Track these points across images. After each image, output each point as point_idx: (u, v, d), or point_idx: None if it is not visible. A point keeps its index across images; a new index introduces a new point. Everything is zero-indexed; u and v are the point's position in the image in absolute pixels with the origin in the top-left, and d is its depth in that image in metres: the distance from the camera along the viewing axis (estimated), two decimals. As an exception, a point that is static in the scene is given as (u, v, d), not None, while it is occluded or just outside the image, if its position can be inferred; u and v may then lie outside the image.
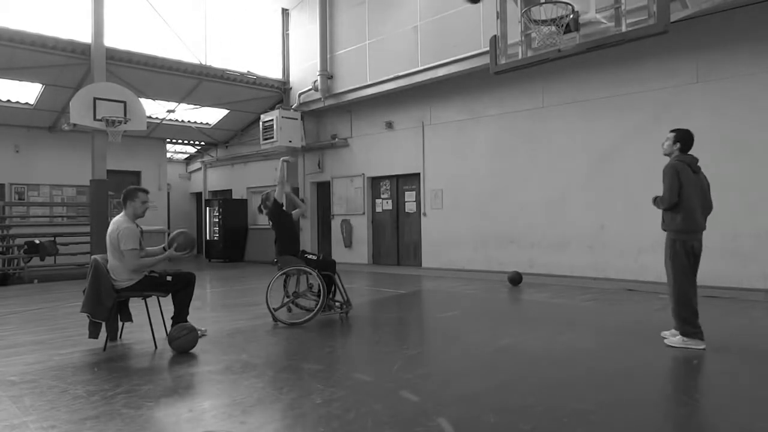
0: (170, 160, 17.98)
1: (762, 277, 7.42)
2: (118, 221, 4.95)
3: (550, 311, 6.79)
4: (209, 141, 16.59)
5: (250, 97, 13.76)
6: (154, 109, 13.14)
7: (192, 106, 13.74)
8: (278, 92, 13.88)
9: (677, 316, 4.73)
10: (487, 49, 6.28)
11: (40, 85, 11.45)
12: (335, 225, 13.58)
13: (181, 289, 5.15)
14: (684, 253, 4.68)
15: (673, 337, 4.78)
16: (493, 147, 10.47)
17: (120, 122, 9.95)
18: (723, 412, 3.24)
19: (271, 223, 6.48)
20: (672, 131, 4.88)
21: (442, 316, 6.65)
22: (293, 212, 6.80)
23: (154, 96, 12.48)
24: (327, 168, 13.84)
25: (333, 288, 6.46)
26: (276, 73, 13.85)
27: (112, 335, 5.18)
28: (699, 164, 4.86)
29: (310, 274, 6.23)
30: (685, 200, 4.64)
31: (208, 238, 16.07)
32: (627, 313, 6.60)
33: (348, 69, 12.36)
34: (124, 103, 10.11)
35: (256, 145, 14.08)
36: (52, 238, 11.72)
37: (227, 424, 3.07)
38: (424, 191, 11.70)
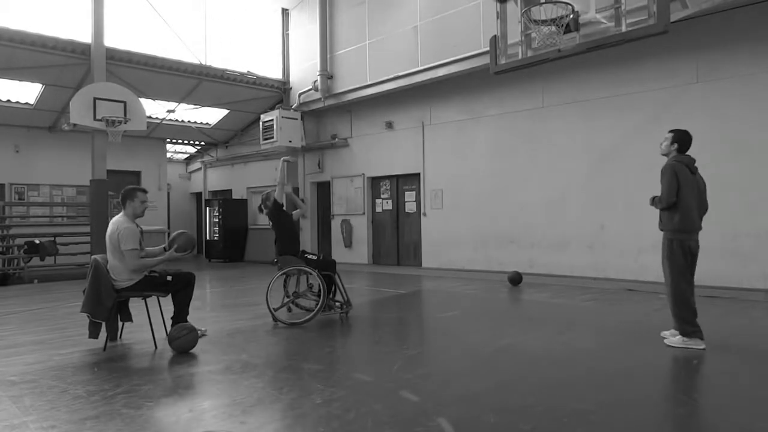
0: (170, 160, 17.98)
1: (762, 277, 7.42)
2: (117, 221, 4.95)
3: (550, 311, 6.79)
4: (209, 141, 16.59)
5: (250, 97, 13.76)
6: (154, 109, 13.14)
7: (192, 106, 13.74)
8: (278, 92, 13.88)
9: (676, 316, 4.74)
10: (487, 49, 6.28)
11: (40, 85, 11.45)
12: (335, 225, 13.58)
13: (181, 289, 5.15)
14: (681, 252, 4.69)
15: (672, 337, 4.78)
16: (493, 147, 10.48)
17: (120, 122, 9.95)
18: (723, 412, 3.24)
19: (271, 223, 6.48)
20: (670, 131, 4.89)
21: (442, 316, 6.65)
22: (294, 212, 6.80)
23: (154, 96, 12.48)
24: (327, 168, 13.84)
25: (333, 288, 6.46)
26: (276, 73, 13.85)
27: (112, 335, 5.18)
28: (696, 165, 4.87)
29: (311, 274, 6.23)
30: (682, 200, 4.65)
31: (208, 238, 16.07)
32: (627, 313, 6.60)
33: (348, 69, 12.36)
34: (124, 103, 10.11)
35: (256, 145, 14.08)
36: (52, 238, 11.72)
37: (227, 424, 3.07)
38: (424, 191, 11.70)
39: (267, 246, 13.21)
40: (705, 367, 4.29)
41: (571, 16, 5.14)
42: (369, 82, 11.74)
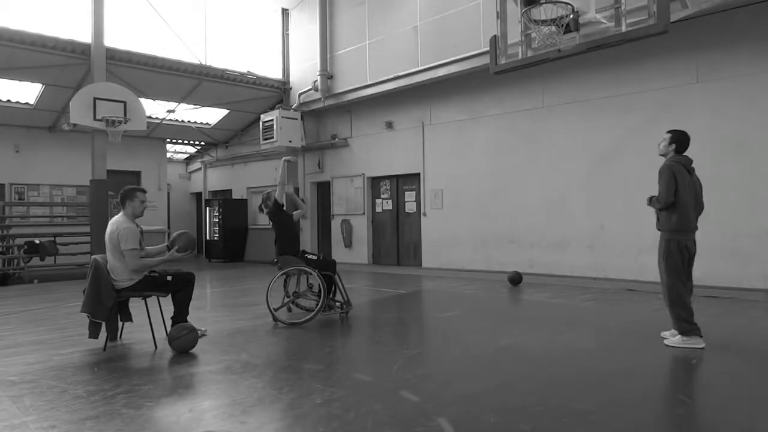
0: (170, 160, 17.98)
1: (762, 277, 7.42)
2: (117, 221, 4.95)
3: (550, 311, 6.79)
4: (209, 141, 16.59)
5: (250, 97, 13.76)
6: (154, 109, 13.14)
7: (192, 106, 13.74)
8: (278, 92, 13.88)
9: (673, 315, 4.77)
10: (487, 49, 6.28)
11: (40, 85, 11.45)
12: (335, 225, 13.58)
13: (180, 289, 5.15)
14: (678, 252, 4.70)
15: (672, 338, 4.79)
16: (493, 147, 10.48)
17: (120, 122, 9.95)
18: (723, 412, 3.24)
19: (271, 223, 6.48)
20: (668, 132, 4.91)
21: (442, 316, 6.65)
22: (294, 213, 6.80)
23: (154, 96, 12.48)
24: (327, 168, 13.84)
25: (333, 288, 6.46)
26: (276, 73, 13.85)
27: (112, 335, 5.18)
28: (695, 165, 4.87)
29: (311, 274, 6.23)
30: (680, 200, 4.67)
31: (208, 238, 16.07)
32: (627, 313, 6.60)
33: (348, 69, 12.36)
34: (124, 103, 10.11)
35: (256, 145, 14.08)
36: (52, 238, 11.72)
37: (227, 424, 3.07)
38: (424, 191, 11.70)
39: (267, 246, 13.21)
40: (705, 367, 4.29)
41: (571, 16, 5.14)
42: (369, 82, 11.74)
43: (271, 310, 6.03)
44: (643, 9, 4.88)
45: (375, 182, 12.89)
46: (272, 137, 12.57)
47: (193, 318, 5.30)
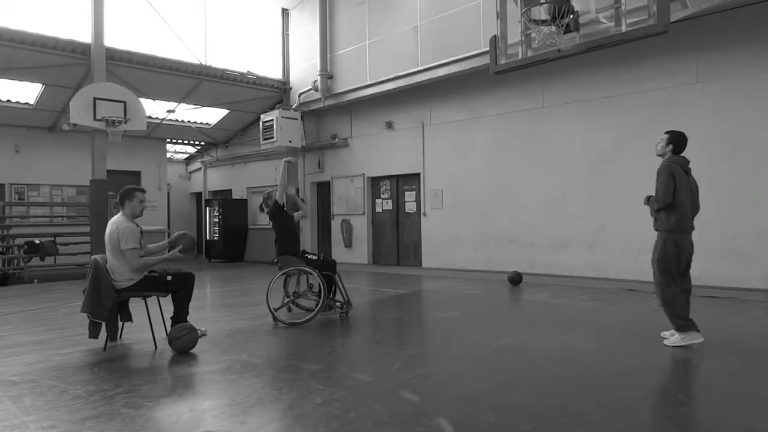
0: (170, 160, 17.97)
1: (762, 277, 7.42)
2: (117, 221, 4.95)
3: (550, 311, 6.79)
4: (209, 141, 16.59)
5: (250, 97, 13.76)
6: (154, 109, 13.14)
7: (192, 106, 13.74)
8: (278, 92, 13.88)
9: (667, 314, 4.80)
10: (487, 49, 6.28)
11: (40, 85, 11.45)
12: (335, 225, 13.58)
13: (180, 289, 5.15)
14: (675, 252, 4.72)
15: (672, 337, 4.79)
16: (493, 147, 10.48)
17: (120, 122, 9.95)
18: (723, 412, 3.24)
19: (271, 222, 6.49)
20: (666, 132, 4.93)
21: (442, 316, 6.65)
22: (295, 214, 6.79)
23: (154, 96, 12.48)
24: (327, 168, 13.84)
25: (333, 288, 6.46)
26: (276, 73, 13.85)
27: (112, 335, 5.18)
28: (696, 164, 4.89)
29: (311, 274, 6.23)
30: (678, 201, 4.69)
31: (208, 238, 16.07)
32: (627, 313, 6.60)
33: (348, 69, 12.36)
34: (124, 103, 10.11)
35: (256, 145, 14.08)
36: (52, 238, 11.72)
37: (227, 424, 3.07)
38: (424, 191, 11.70)
39: (267, 246, 13.21)
40: (705, 367, 4.29)
41: (571, 16, 5.14)
42: (369, 82, 11.74)
43: (271, 310, 6.03)
44: (643, 9, 4.88)
45: (375, 182, 12.89)
46: (272, 137, 12.57)
47: (193, 318, 5.30)
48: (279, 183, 6.44)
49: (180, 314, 5.11)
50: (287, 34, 13.98)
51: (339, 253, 13.09)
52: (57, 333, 5.72)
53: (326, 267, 6.31)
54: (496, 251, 10.40)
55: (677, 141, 4.84)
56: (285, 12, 14.00)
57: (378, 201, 12.83)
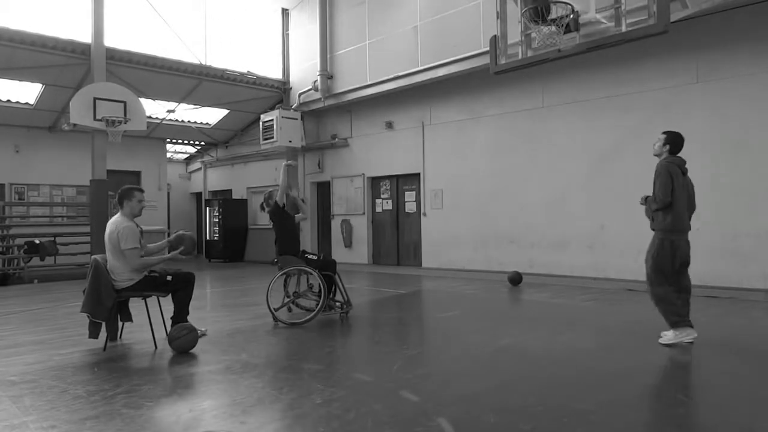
0: (170, 160, 17.98)
1: (762, 277, 7.42)
2: (116, 221, 4.95)
3: (550, 311, 6.79)
4: (209, 141, 16.59)
5: (250, 97, 13.76)
6: (154, 109, 13.14)
7: (192, 106, 13.74)
8: (278, 92, 13.88)
9: (660, 311, 4.82)
10: (487, 49, 6.29)
11: (40, 85, 11.45)
12: (335, 225, 13.58)
13: (180, 289, 5.15)
14: (670, 252, 4.74)
15: (666, 334, 4.81)
16: (493, 147, 10.48)
17: (120, 122, 9.95)
18: (723, 412, 3.24)
19: (272, 222, 6.49)
20: (663, 133, 4.95)
21: (442, 316, 6.65)
22: (296, 216, 6.79)
23: (154, 96, 12.48)
24: (327, 168, 13.84)
25: (333, 288, 6.46)
26: (276, 73, 13.85)
27: (112, 335, 5.17)
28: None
29: (311, 274, 6.23)
30: (675, 201, 4.71)
31: (208, 238, 16.07)
32: (627, 313, 6.60)
33: (348, 69, 12.36)
34: (124, 103, 10.11)
35: (256, 145, 14.07)
36: (52, 238, 11.72)
37: (227, 424, 3.07)
38: (424, 191, 11.70)
39: (267, 246, 13.20)
40: (705, 367, 4.29)
41: (571, 16, 5.14)
42: (369, 82, 11.73)
43: (271, 310, 6.03)
44: (643, 9, 4.89)
45: (375, 182, 12.89)
46: (272, 137, 12.56)
47: (193, 318, 5.30)
48: (279, 186, 6.45)
49: (180, 314, 5.11)
50: (287, 34, 13.98)
51: (339, 253, 13.09)
52: (57, 333, 5.72)
53: (326, 267, 6.31)
54: (496, 251, 10.40)
55: (674, 141, 4.85)
56: (285, 12, 14.00)
57: (378, 201, 12.84)
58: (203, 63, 12.31)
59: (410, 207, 12.21)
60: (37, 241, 11.41)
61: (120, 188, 5.14)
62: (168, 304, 5.19)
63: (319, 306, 6.11)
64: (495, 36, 5.90)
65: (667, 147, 4.85)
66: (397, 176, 12.39)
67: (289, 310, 6.61)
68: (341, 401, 3.41)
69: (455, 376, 4.03)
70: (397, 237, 12.48)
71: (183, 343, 4.72)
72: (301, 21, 13.64)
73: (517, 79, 9.63)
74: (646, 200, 4.93)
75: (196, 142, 16.93)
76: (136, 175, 15.19)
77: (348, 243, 13.20)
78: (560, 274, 9.40)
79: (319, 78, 12.76)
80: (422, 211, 11.76)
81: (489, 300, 7.82)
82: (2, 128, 12.70)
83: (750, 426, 3.00)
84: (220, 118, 14.95)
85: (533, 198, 9.86)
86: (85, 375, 4.11)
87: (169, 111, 13.52)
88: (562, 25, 5.18)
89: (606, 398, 3.46)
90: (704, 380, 4.08)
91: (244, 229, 15.92)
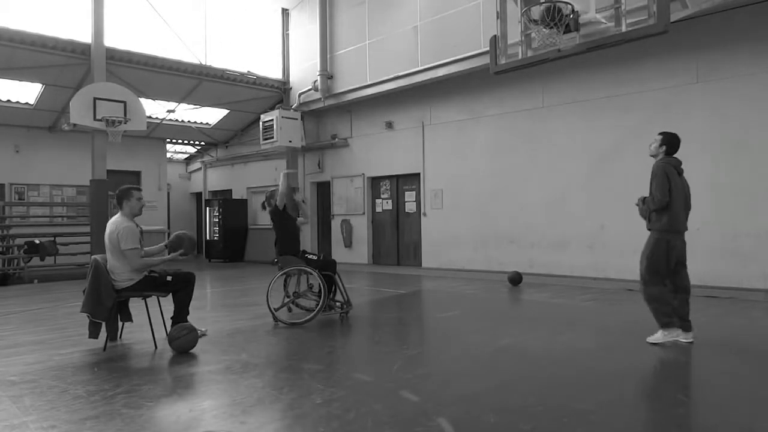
0: (170, 160, 17.97)
1: (762, 277, 7.42)
2: (116, 221, 4.94)
3: (550, 311, 6.79)
4: (209, 141, 16.59)
5: (250, 97, 13.76)
6: (154, 109, 13.14)
7: (192, 106, 13.74)
8: (278, 92, 13.88)
9: (651, 310, 4.84)
10: (487, 49, 6.28)
11: (40, 85, 11.45)
12: (335, 225, 13.58)
13: (180, 289, 5.15)
14: (665, 251, 4.76)
15: (655, 334, 4.82)
16: (493, 147, 10.47)
17: (120, 122, 9.95)
18: (723, 412, 3.24)
19: (272, 222, 6.50)
20: (660, 134, 4.97)
21: (442, 316, 6.65)
22: (297, 219, 6.80)
23: (154, 96, 12.48)
24: (327, 168, 13.84)
25: (333, 288, 6.46)
26: (276, 73, 13.85)
27: (112, 335, 5.17)
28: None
29: (311, 274, 6.23)
30: (672, 201, 4.73)
31: (208, 238, 16.07)
32: (627, 313, 6.60)
33: (348, 69, 12.36)
34: (124, 103, 10.11)
35: (256, 145, 14.07)
36: (52, 238, 11.72)
37: (227, 424, 3.07)
38: (424, 191, 11.70)
39: (267, 246, 13.20)
40: (705, 367, 4.29)
41: (571, 16, 5.14)
42: (369, 82, 11.73)
43: (271, 310, 6.03)
44: (643, 9, 4.88)
45: (375, 182, 12.89)
46: (272, 137, 12.55)
47: (193, 318, 5.30)
48: (279, 193, 6.46)
49: (180, 314, 5.11)
50: (287, 34, 13.98)
51: (339, 253, 13.09)
52: (57, 333, 5.72)
53: (326, 267, 6.31)
54: (496, 251, 10.40)
55: (670, 142, 4.88)
56: (285, 12, 14.00)
57: (378, 201, 12.84)
58: (203, 63, 12.31)
59: (410, 207, 12.21)
60: (37, 241, 11.41)
61: (118, 189, 5.14)
62: (168, 304, 5.19)
63: (319, 306, 6.11)
64: (495, 36, 5.90)
65: (664, 148, 4.87)
66: (397, 176, 12.39)
67: (289, 310, 6.61)
68: (341, 401, 3.41)
69: (455, 376, 4.03)
70: (397, 237, 12.48)
71: (183, 343, 4.72)
72: (301, 21, 13.64)
73: (517, 79, 9.63)
74: (643, 201, 4.95)
75: (196, 142, 16.93)
76: (136, 175, 15.18)
77: (348, 243, 13.20)
78: (560, 274, 9.40)
79: (319, 78, 12.76)
80: (422, 211, 11.76)
81: (489, 300, 7.82)
82: (2, 128, 12.70)
83: (750, 426, 3.00)
84: (220, 118, 14.95)
85: (533, 198, 9.86)
86: (85, 375, 4.11)
87: (169, 111, 13.52)
88: (562, 25, 5.17)
89: (606, 398, 3.46)
90: (704, 380, 4.08)
91: (244, 229, 15.92)
